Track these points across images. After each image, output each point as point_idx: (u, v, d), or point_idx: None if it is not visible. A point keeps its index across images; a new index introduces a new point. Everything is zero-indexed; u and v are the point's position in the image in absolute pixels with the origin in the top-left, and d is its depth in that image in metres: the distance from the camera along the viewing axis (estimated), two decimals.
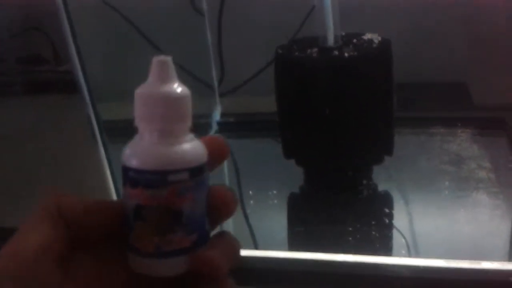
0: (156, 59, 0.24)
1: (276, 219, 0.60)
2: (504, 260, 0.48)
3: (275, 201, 0.63)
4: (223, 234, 0.27)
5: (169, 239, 0.23)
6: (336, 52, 0.56)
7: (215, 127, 0.85)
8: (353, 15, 0.70)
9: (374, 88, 0.57)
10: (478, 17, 0.78)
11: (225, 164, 0.79)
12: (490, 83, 0.76)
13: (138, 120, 0.24)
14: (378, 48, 0.58)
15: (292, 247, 0.54)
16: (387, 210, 0.59)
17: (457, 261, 0.47)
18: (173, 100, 0.23)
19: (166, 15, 0.78)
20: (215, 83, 0.85)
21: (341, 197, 0.62)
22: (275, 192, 0.65)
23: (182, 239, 0.24)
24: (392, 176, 0.64)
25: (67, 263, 0.23)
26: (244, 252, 0.52)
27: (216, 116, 0.86)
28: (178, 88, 0.24)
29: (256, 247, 0.55)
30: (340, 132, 0.58)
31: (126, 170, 0.24)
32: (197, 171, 0.24)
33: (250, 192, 0.65)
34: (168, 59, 0.24)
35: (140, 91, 0.23)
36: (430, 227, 0.56)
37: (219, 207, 0.25)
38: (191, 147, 0.24)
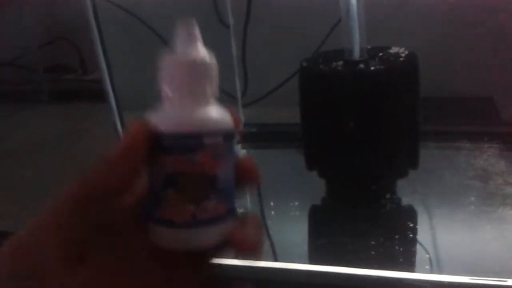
0: (181, 21, 0.23)
1: (297, 231, 0.60)
2: None
3: (297, 213, 0.63)
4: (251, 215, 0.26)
5: (205, 206, 0.23)
6: (361, 65, 0.56)
7: (237, 137, 0.85)
8: (379, 28, 0.70)
9: (400, 101, 0.57)
10: (505, 31, 0.77)
11: None
12: None
13: (167, 86, 0.23)
14: (404, 61, 0.57)
15: (312, 260, 0.54)
16: (411, 225, 0.58)
17: (482, 278, 0.46)
18: (202, 62, 0.23)
19: None
20: (239, 94, 0.86)
21: (364, 210, 0.61)
22: (296, 203, 0.64)
23: (217, 206, 0.23)
24: (416, 190, 0.64)
25: (85, 248, 0.23)
26: (264, 264, 0.52)
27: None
28: (204, 51, 0.24)
29: (275, 259, 0.55)
30: (364, 145, 0.58)
31: (159, 137, 0.22)
32: (229, 136, 0.24)
33: (271, 203, 0.65)
34: (193, 20, 0.24)
35: (167, 56, 0.23)
36: (455, 243, 0.55)
37: (245, 175, 0.25)
38: (222, 111, 0.24)
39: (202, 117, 0.23)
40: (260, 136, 0.85)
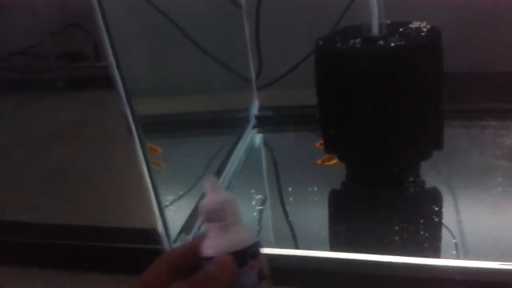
0: (206, 179, 0.32)
1: (316, 217, 0.58)
2: None
3: (316, 198, 0.61)
4: None
5: None
6: (381, 42, 0.53)
7: (253, 121, 0.83)
8: (399, 3, 0.67)
9: (422, 79, 0.54)
10: None
11: (263, 159, 0.77)
12: None
13: (208, 223, 0.32)
14: (426, 37, 0.54)
15: (333, 247, 0.52)
16: (435, 208, 0.56)
17: (510, 263, 0.44)
18: (229, 201, 0.32)
19: (204, 9, 0.77)
20: (253, 77, 0.84)
21: (386, 194, 0.59)
22: (315, 188, 0.62)
23: None
24: (441, 172, 0.61)
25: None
26: (283, 251, 0.51)
27: (254, 110, 0.85)
28: (227, 193, 0.33)
29: (296, 246, 0.53)
30: (385, 126, 0.55)
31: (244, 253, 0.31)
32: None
33: (289, 188, 0.63)
34: (214, 177, 0.35)
35: (203, 204, 0.32)
36: (482, 227, 0.52)
37: None
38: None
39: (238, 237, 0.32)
40: (276, 119, 0.83)
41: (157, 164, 0.59)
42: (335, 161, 0.65)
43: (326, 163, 0.67)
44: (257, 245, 0.32)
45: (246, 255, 0.31)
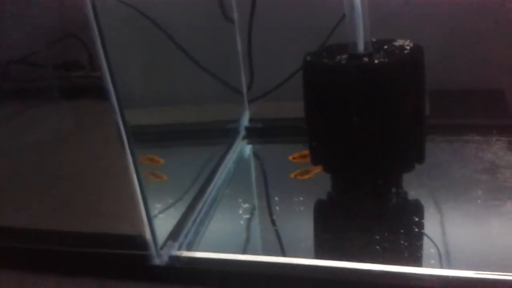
0: None
1: (302, 226, 0.60)
2: None
3: (302, 208, 0.63)
4: None
5: None
6: (365, 59, 0.56)
7: (243, 132, 0.85)
8: (384, 21, 0.69)
9: (405, 95, 0.56)
10: None
11: (252, 169, 0.79)
12: None
13: None
14: (409, 54, 0.56)
15: (317, 255, 0.54)
16: (416, 219, 0.57)
17: (488, 273, 0.46)
18: None
19: (198, 22, 0.79)
20: (244, 89, 0.86)
21: (370, 205, 0.61)
22: (301, 198, 0.64)
23: None
24: (423, 184, 0.63)
25: None
26: (269, 259, 0.52)
27: (245, 121, 0.86)
28: None
29: (283, 254, 0.55)
30: (369, 139, 0.57)
31: None
32: None
33: (276, 198, 0.65)
34: None
35: None
36: (462, 237, 0.54)
37: None
38: None
39: None
40: (266, 131, 0.85)
41: (158, 175, 0.60)
42: (308, 176, 0.67)
43: (298, 177, 0.69)
44: None
45: None
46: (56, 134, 0.62)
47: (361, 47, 0.57)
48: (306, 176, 0.68)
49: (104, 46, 0.48)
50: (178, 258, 0.54)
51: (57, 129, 0.63)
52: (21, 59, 0.74)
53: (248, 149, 0.83)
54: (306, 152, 0.66)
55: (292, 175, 0.70)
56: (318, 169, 0.66)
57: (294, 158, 0.71)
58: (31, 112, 0.65)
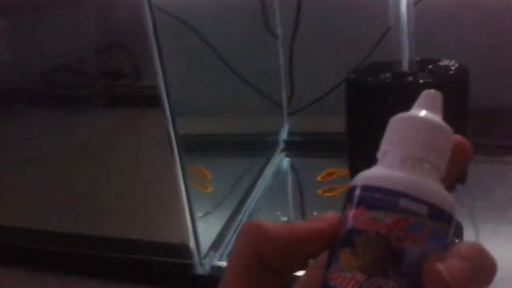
0: (425, 92, 0.22)
1: None
2: None
3: None
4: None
5: (377, 283, 0.18)
6: (410, 78, 0.56)
7: (281, 145, 0.86)
8: (429, 40, 0.69)
9: (448, 115, 0.56)
10: None
11: (289, 183, 0.80)
12: None
13: (387, 146, 0.21)
14: (454, 75, 0.57)
15: None
16: (457, 240, 0.57)
17: None
18: (433, 129, 0.21)
19: (243, 36, 0.81)
20: (284, 102, 0.87)
21: None
22: (339, 213, 0.65)
23: None
24: (464, 205, 0.63)
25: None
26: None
27: (284, 134, 0.88)
28: (441, 121, 0.22)
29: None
30: None
31: (351, 190, 0.20)
32: (438, 214, 0.19)
33: (314, 213, 0.66)
34: (438, 93, 0.23)
35: (404, 115, 0.22)
36: (502, 260, 0.54)
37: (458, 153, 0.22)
38: (437, 185, 0.20)
39: (405, 177, 0.19)
40: (304, 144, 0.85)
41: (205, 186, 0.62)
42: (333, 193, 0.67)
43: (326, 194, 0.70)
44: (449, 221, 0.20)
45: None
46: (106, 141, 0.64)
47: (405, 66, 0.58)
48: (333, 193, 0.69)
49: (161, 57, 0.50)
50: (220, 268, 0.55)
51: (107, 136, 0.65)
52: (68, 65, 0.77)
53: (286, 162, 0.84)
54: (332, 170, 0.67)
55: (319, 191, 0.70)
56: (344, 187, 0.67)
57: (322, 178, 0.71)
58: (78, 119, 0.67)
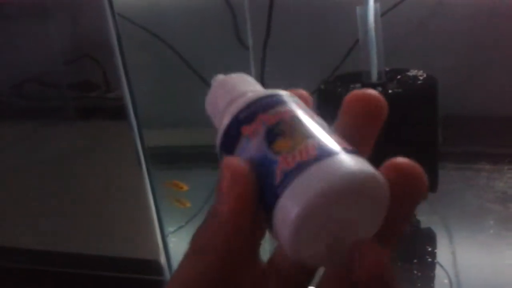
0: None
1: None
2: None
3: None
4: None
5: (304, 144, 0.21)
6: (379, 88, 0.57)
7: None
8: (397, 51, 0.70)
9: (418, 125, 0.57)
10: None
11: None
12: None
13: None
14: (422, 84, 0.57)
15: None
16: (429, 248, 0.57)
17: None
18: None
19: (215, 48, 0.81)
20: None
21: None
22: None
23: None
24: (435, 212, 0.63)
25: None
26: None
27: None
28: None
29: None
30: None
31: (233, 128, 0.23)
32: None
33: None
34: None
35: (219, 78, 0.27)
36: (474, 267, 0.54)
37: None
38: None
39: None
40: None
41: (182, 202, 0.61)
42: None
43: None
44: (269, 97, 0.23)
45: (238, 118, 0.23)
46: (75, 154, 0.63)
47: (374, 77, 0.58)
48: None
49: (125, 68, 0.49)
50: None
51: (76, 149, 0.64)
52: (36, 77, 0.76)
53: None
54: None
55: None
56: None
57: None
58: (47, 131, 0.66)
